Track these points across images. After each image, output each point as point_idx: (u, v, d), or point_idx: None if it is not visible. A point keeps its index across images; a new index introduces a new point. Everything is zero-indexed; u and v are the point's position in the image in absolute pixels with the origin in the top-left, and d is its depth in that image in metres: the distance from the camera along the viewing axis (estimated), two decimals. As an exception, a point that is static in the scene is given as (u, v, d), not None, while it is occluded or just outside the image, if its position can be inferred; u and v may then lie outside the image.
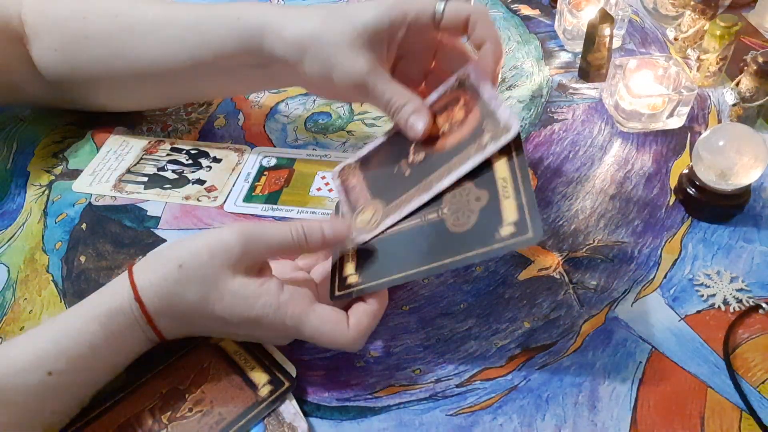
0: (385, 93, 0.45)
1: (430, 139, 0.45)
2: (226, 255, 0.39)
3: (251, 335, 0.42)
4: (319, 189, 0.56)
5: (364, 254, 0.43)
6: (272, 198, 0.56)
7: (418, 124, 0.45)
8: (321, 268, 0.46)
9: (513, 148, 0.40)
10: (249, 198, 0.56)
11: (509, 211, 0.37)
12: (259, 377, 0.41)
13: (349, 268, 0.43)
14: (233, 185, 0.57)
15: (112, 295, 0.39)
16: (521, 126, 0.62)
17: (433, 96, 0.47)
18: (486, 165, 0.40)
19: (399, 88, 0.46)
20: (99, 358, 0.39)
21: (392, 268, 0.40)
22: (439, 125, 0.45)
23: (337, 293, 0.42)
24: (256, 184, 0.57)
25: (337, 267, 0.43)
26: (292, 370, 0.41)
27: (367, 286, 0.40)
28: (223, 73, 0.54)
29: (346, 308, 0.41)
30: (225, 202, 0.55)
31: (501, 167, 0.40)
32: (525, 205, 0.37)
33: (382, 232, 0.43)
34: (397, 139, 0.48)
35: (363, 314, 0.40)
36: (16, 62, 0.57)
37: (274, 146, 0.62)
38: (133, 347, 0.40)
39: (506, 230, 0.36)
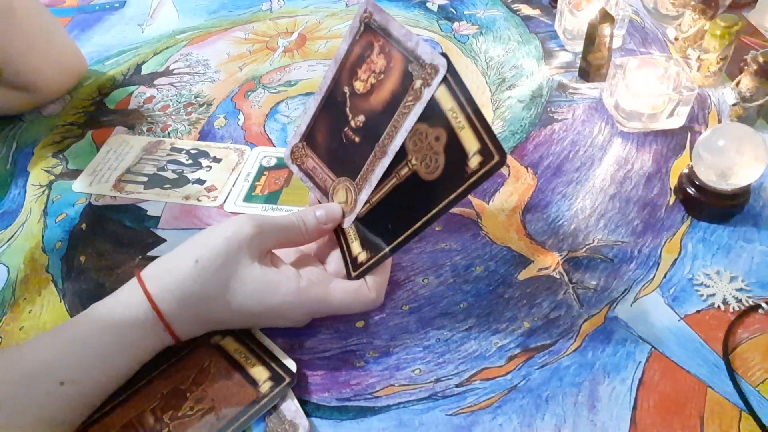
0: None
1: (362, 97, 0.45)
2: (242, 238, 0.40)
3: (273, 322, 0.43)
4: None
5: (363, 230, 0.44)
6: (272, 198, 0.56)
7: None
8: (322, 248, 0.47)
9: (448, 76, 0.39)
10: (249, 198, 0.56)
11: (469, 141, 0.38)
12: (260, 374, 0.41)
13: (356, 248, 0.44)
14: (233, 185, 0.57)
15: (125, 305, 0.39)
16: (521, 126, 0.62)
17: (344, 47, 0.46)
18: (430, 101, 0.40)
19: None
20: (112, 367, 0.39)
21: (391, 234, 0.42)
22: (363, 79, 0.44)
23: (353, 274, 0.43)
24: (256, 183, 0.57)
25: (345, 249, 0.45)
26: (293, 366, 0.41)
27: (376, 260, 0.42)
28: None
29: None
30: (225, 201, 0.55)
31: (444, 98, 0.39)
32: (481, 130, 0.37)
33: (364, 206, 0.44)
34: (330, 105, 0.47)
35: (376, 273, 0.43)
36: None
37: (274, 146, 0.62)
38: (146, 353, 0.40)
39: (474, 161, 0.37)
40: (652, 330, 0.44)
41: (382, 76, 0.43)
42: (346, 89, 0.45)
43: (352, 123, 0.45)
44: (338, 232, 0.46)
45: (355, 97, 0.45)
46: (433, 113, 0.40)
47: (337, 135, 0.46)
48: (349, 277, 0.44)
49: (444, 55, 0.39)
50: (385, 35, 0.43)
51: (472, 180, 0.38)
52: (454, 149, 0.39)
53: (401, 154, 0.42)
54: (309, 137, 0.49)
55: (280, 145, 0.62)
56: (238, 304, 0.40)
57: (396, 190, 0.42)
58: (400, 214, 0.42)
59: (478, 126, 0.37)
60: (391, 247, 0.42)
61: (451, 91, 0.39)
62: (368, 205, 0.44)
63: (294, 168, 0.50)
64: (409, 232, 0.41)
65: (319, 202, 0.48)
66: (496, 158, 0.36)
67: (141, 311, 0.39)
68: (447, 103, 0.39)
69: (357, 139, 0.45)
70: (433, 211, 0.39)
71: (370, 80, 0.44)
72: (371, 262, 0.43)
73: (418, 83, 0.40)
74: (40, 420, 0.36)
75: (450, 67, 0.39)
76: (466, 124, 0.38)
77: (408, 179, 0.42)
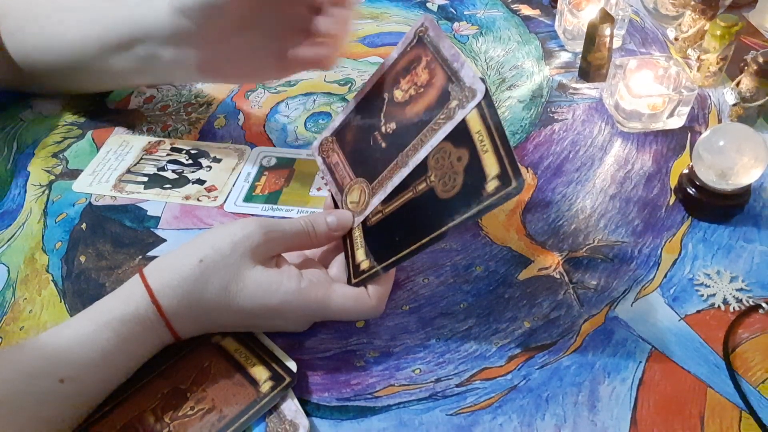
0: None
1: (398, 105, 0.45)
2: (248, 244, 0.40)
3: (273, 325, 0.43)
4: (319, 189, 0.56)
5: (371, 239, 0.44)
6: (272, 198, 0.56)
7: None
8: (327, 252, 0.47)
9: (483, 102, 0.40)
10: (249, 198, 0.56)
11: (490, 165, 0.38)
12: (260, 374, 0.41)
13: (360, 255, 0.44)
14: (233, 185, 0.57)
15: (125, 301, 0.39)
16: (521, 126, 0.62)
17: (394, 55, 0.47)
18: (460, 122, 0.41)
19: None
20: (111, 364, 0.39)
21: (397, 246, 0.41)
22: (404, 89, 0.45)
23: (354, 281, 0.43)
24: (257, 183, 0.57)
25: (349, 255, 0.45)
26: (293, 366, 0.41)
27: (378, 269, 0.42)
28: (127, 59, 0.55)
29: None
30: (225, 202, 0.55)
31: (474, 121, 0.40)
32: (504, 156, 0.37)
33: (378, 211, 0.44)
34: (367, 107, 0.48)
35: (378, 280, 0.43)
36: None
37: (274, 146, 0.62)
38: (146, 351, 0.40)
39: (491, 185, 0.37)
40: (652, 330, 0.44)
41: (422, 89, 0.44)
42: (386, 95, 0.46)
43: (383, 128, 0.46)
44: (345, 236, 0.46)
45: (392, 105, 0.46)
46: (459, 134, 0.40)
47: (366, 137, 0.47)
48: (349, 282, 0.44)
49: (483, 80, 0.40)
50: (434, 51, 0.44)
51: (486, 203, 0.37)
52: (474, 171, 0.39)
53: (422, 170, 0.42)
54: (339, 133, 0.50)
55: (280, 145, 0.62)
56: (238, 306, 0.40)
57: (410, 204, 0.42)
58: (409, 228, 0.42)
59: (502, 152, 0.37)
60: (394, 259, 0.41)
61: (482, 115, 0.39)
62: (380, 215, 0.44)
63: (319, 159, 0.51)
64: (414, 246, 0.40)
65: (333, 200, 0.49)
66: (514, 184, 0.36)
67: (142, 307, 0.39)
68: (476, 126, 0.39)
69: (384, 145, 0.45)
70: (442, 229, 0.39)
71: (410, 91, 0.45)
72: (373, 271, 0.42)
73: (453, 103, 0.41)
74: (40, 418, 0.36)
75: (487, 93, 0.39)
76: (490, 148, 0.38)
77: (423, 194, 0.42)
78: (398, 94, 0.46)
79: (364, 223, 0.45)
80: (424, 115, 0.43)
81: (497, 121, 0.39)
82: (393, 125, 0.45)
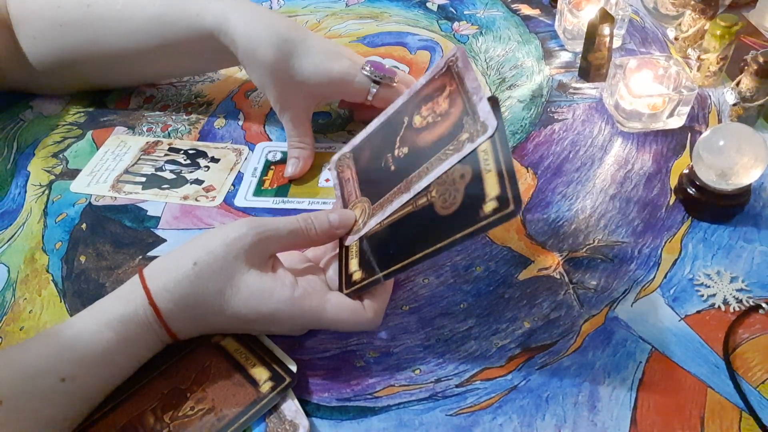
0: (288, 128, 0.56)
1: (415, 131, 0.46)
2: (241, 245, 0.40)
3: (267, 330, 0.43)
4: (327, 180, 0.57)
5: (365, 249, 0.44)
6: (282, 191, 0.56)
7: (289, 168, 0.56)
8: (330, 258, 0.47)
9: (496, 134, 0.39)
10: (259, 192, 0.56)
11: (491, 185, 0.38)
12: (260, 374, 0.41)
13: (353, 265, 0.43)
14: (232, 185, 0.57)
15: (125, 301, 0.39)
16: (521, 126, 0.62)
17: (422, 81, 0.47)
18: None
19: (301, 130, 0.56)
20: (112, 364, 0.39)
21: (390, 260, 0.41)
22: (423, 116, 0.45)
23: (345, 291, 0.43)
24: (264, 178, 0.57)
25: (343, 264, 0.44)
26: (293, 366, 0.41)
27: (369, 282, 0.42)
28: (182, 58, 0.61)
29: None
30: (235, 197, 0.56)
31: None
32: (506, 176, 0.37)
33: (374, 229, 0.44)
34: (387, 128, 0.48)
35: (375, 293, 0.42)
36: (3, 49, 0.60)
37: (275, 145, 0.62)
38: (146, 351, 0.40)
39: (489, 206, 0.37)
40: (652, 330, 0.44)
41: (440, 118, 0.44)
42: (406, 119, 0.47)
43: (396, 152, 0.46)
44: (341, 246, 0.46)
45: (410, 130, 0.46)
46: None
47: (379, 157, 0.47)
48: (340, 290, 0.43)
49: (496, 106, 0.40)
50: (459, 82, 0.44)
51: (481, 224, 0.37)
52: (474, 190, 0.38)
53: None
54: (357, 150, 0.50)
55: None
56: (232, 311, 0.40)
57: (408, 218, 0.42)
58: (404, 243, 0.41)
59: (504, 173, 0.37)
60: (385, 273, 0.41)
61: (491, 136, 0.39)
62: (378, 226, 0.44)
63: (333, 173, 0.51)
64: (407, 261, 0.40)
65: None
66: (511, 208, 0.36)
67: (140, 308, 0.39)
68: (483, 144, 0.39)
69: (392, 168, 0.46)
70: (436, 247, 0.39)
71: (428, 118, 0.45)
72: (364, 283, 0.42)
73: (464, 136, 0.41)
74: (41, 417, 0.36)
75: (495, 102, 0.40)
76: (493, 167, 0.38)
77: (423, 209, 0.41)
78: (417, 120, 0.46)
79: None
80: (436, 143, 0.43)
81: (504, 139, 0.38)
82: (405, 150, 0.45)
